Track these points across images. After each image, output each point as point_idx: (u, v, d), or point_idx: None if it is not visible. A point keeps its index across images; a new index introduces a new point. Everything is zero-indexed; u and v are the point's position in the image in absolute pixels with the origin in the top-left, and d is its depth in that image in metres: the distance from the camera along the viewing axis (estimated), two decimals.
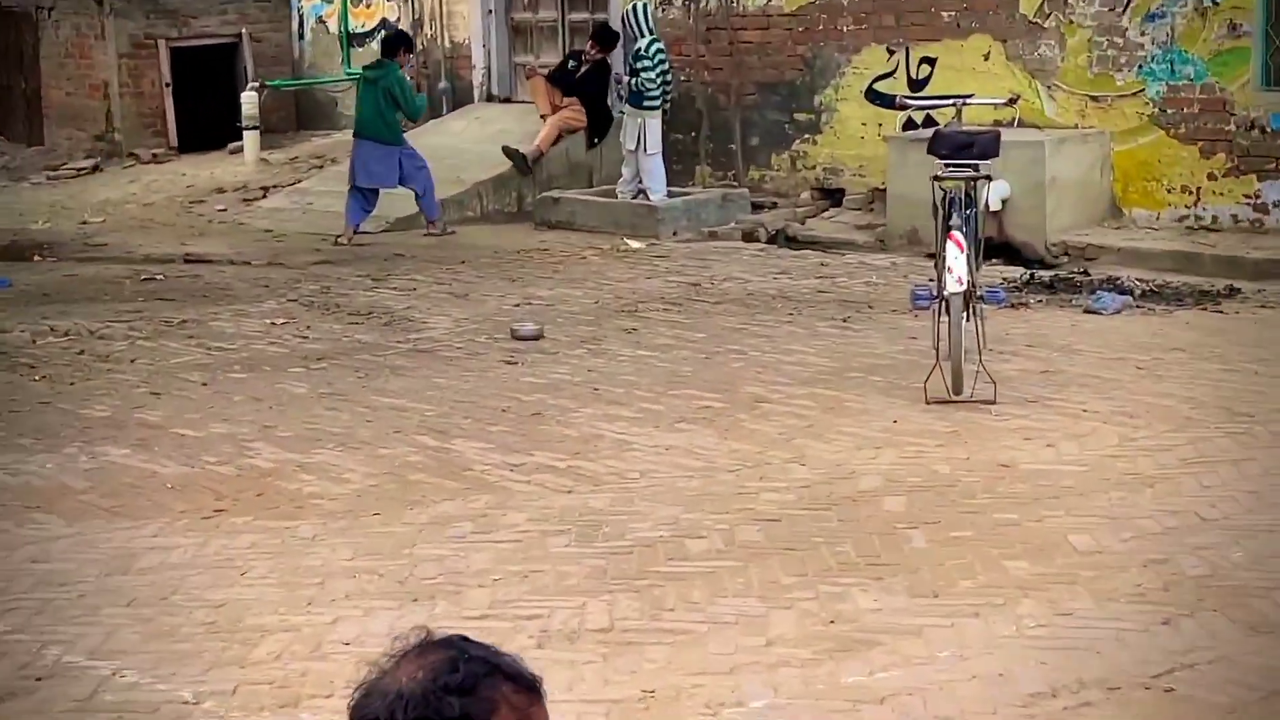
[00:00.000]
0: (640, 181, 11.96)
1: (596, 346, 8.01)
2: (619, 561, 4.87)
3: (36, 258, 10.96)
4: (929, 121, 9.90)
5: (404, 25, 15.22)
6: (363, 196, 11.80)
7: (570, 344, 8.05)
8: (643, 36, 12.26)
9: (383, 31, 15.45)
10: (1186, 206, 10.42)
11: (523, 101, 14.21)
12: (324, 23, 15.47)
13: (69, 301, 9.68)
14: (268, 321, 8.87)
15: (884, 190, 10.85)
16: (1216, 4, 10.26)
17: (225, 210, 13.10)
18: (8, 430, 6.73)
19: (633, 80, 12.05)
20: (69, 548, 5.09)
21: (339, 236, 11.58)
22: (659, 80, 12.05)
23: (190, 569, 4.84)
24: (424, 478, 5.86)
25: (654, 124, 11.89)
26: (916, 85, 11.16)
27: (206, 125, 14.72)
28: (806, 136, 12.05)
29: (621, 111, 12.47)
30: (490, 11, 14.43)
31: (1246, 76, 10.06)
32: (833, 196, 11.68)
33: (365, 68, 12.95)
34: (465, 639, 0.97)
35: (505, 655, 0.96)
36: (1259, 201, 10.05)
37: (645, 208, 11.69)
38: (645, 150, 11.72)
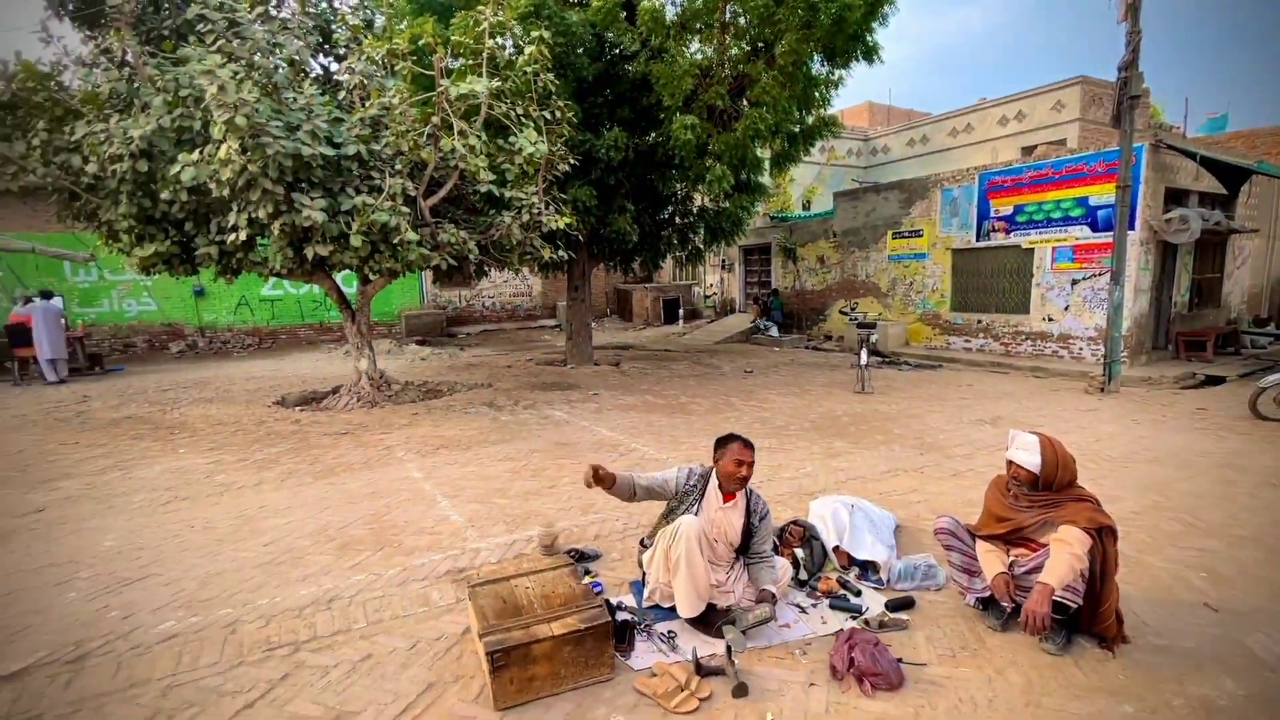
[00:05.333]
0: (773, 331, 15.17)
1: (757, 376, 9.76)
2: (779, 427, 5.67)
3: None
4: (858, 322, 12.05)
5: (716, 293, 18.56)
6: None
7: (764, 373, 10.00)
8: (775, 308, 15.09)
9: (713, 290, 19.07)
10: (929, 340, 13.06)
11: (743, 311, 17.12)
12: None
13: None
14: (745, 372, 10.24)
15: (842, 336, 14.04)
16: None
17: None
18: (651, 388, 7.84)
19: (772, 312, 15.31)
20: (576, 433, 5.93)
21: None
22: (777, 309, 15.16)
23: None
24: (736, 401, 7.18)
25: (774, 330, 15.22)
26: (852, 310, 14.38)
27: None
28: (822, 321, 15.55)
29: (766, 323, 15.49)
30: (741, 288, 18.00)
31: (947, 303, 12.39)
32: (831, 339, 14.88)
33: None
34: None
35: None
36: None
37: (772, 339, 14.79)
38: (775, 331, 15.30)
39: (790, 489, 4.43)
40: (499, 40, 6.89)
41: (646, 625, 2.78)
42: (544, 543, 3.61)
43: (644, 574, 3.00)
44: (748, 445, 2.78)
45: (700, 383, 9.08)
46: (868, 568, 3.36)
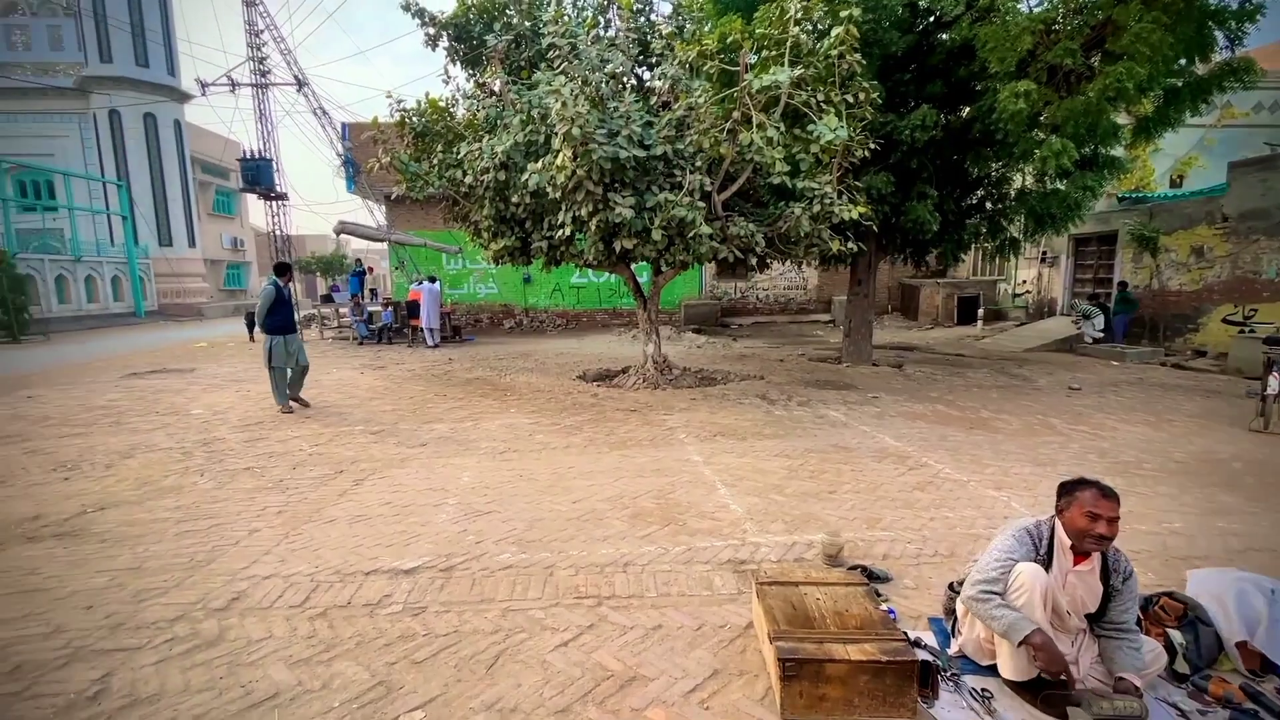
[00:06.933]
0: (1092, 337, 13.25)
1: (1087, 394, 8.40)
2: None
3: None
4: (1266, 337, 8.75)
5: (1030, 292, 16.70)
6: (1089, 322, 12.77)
7: (1098, 391, 8.70)
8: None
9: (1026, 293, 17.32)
10: None
11: (1066, 316, 15.18)
12: None
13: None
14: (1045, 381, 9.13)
15: (1224, 353, 11.71)
16: None
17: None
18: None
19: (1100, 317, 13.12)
20: (855, 437, 5.69)
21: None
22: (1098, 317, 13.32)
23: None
24: (1059, 423, 6.54)
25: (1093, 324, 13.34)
26: (1247, 319, 12.10)
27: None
28: (1192, 331, 13.38)
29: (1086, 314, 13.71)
30: (1067, 286, 16.09)
31: None
32: (1205, 354, 12.61)
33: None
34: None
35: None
36: None
37: (1111, 350, 12.67)
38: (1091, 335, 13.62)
39: (1151, 548, 3.73)
40: (803, 27, 6.78)
41: (954, 674, 2.47)
42: (828, 552, 3.49)
43: (953, 621, 2.72)
44: (1106, 495, 2.29)
45: (1006, 396, 8.17)
46: None
